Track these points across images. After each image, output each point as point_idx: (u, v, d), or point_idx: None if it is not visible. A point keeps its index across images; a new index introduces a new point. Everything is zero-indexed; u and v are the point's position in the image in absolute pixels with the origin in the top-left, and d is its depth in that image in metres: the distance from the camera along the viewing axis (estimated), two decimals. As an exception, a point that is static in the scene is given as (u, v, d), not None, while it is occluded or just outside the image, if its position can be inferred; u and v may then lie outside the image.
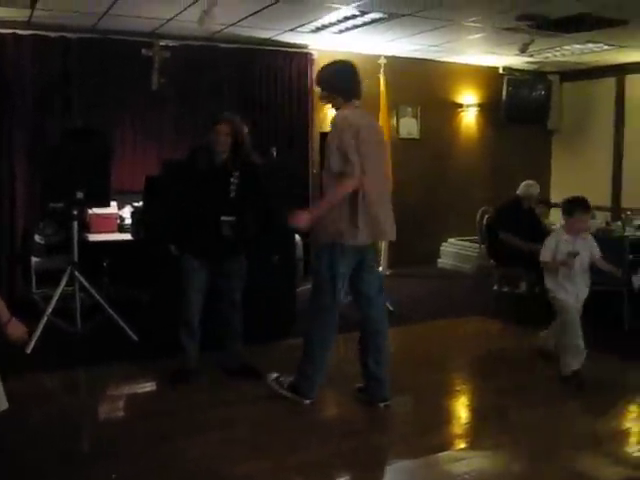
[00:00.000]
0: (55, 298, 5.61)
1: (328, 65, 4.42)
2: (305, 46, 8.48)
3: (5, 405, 2.63)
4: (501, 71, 9.99)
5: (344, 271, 4.26)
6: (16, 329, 2.59)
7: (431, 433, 4.13)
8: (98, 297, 5.81)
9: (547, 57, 9.00)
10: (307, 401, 4.45)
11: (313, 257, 4.49)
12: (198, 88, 7.93)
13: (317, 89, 4.43)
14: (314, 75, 8.58)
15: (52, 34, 7.27)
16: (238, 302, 4.89)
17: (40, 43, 7.23)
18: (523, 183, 7.19)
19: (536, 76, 10.26)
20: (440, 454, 3.83)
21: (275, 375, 4.63)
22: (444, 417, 4.55)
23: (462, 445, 4.06)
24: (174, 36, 7.74)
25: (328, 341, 4.41)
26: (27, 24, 7.09)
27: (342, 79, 4.30)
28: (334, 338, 4.43)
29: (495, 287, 7.67)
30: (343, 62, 4.44)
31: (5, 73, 7.10)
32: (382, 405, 4.46)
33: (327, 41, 8.10)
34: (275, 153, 7.26)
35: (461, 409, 4.80)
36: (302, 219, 4.16)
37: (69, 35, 7.34)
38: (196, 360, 4.89)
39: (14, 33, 7.11)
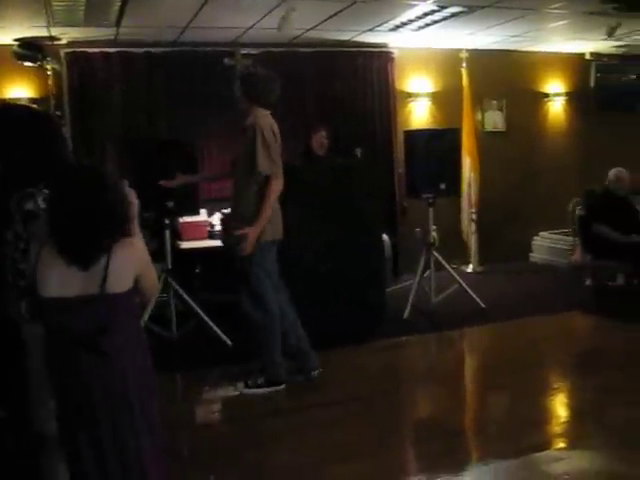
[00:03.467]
0: (151, 305, 5.77)
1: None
2: (385, 45, 8.43)
3: None
4: (588, 57, 9.66)
5: (270, 266, 4.66)
6: None
7: (529, 432, 4.05)
8: (192, 303, 5.95)
9: (637, 40, 8.65)
10: (283, 385, 4.74)
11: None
12: (281, 93, 7.99)
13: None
14: (395, 73, 8.62)
15: (137, 50, 7.51)
16: None
17: (126, 59, 7.49)
18: (611, 171, 6.95)
19: (626, 60, 9.89)
20: (539, 453, 3.75)
21: (242, 384, 4.83)
22: (542, 415, 4.45)
23: (561, 444, 3.97)
24: (255, 44, 7.84)
25: (278, 326, 4.70)
26: (114, 42, 7.34)
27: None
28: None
29: (590, 281, 7.43)
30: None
31: (95, 90, 7.37)
32: (315, 373, 4.86)
33: (406, 38, 8.03)
34: (360, 154, 7.25)
35: (559, 407, 4.68)
36: (248, 246, 4.45)
37: (153, 50, 7.56)
38: None
39: (102, 51, 7.38)
